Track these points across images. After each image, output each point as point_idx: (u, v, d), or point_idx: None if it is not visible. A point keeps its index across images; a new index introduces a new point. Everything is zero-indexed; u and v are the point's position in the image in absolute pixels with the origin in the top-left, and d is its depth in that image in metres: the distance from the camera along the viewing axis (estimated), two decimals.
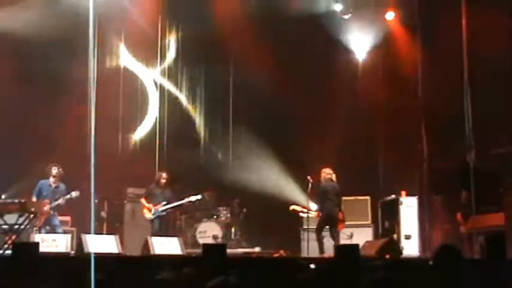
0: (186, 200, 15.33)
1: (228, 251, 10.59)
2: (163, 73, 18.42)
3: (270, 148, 17.42)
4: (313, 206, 15.66)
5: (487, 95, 14.46)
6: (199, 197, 15.50)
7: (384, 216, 16.20)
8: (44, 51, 16.37)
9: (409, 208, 15.71)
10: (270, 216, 16.30)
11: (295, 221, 16.20)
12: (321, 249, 14.60)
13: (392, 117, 16.50)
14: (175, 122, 18.31)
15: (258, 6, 17.15)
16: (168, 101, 18.38)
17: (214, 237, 16.12)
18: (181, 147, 18.03)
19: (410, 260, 13.44)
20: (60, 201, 14.36)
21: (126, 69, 18.09)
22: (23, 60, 16.15)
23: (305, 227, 15.89)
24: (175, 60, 18.54)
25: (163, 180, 15.19)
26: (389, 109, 16.54)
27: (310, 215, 15.47)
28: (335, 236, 14.79)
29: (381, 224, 16.22)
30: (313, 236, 15.55)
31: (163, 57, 18.38)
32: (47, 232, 14.14)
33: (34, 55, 16.34)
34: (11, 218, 13.34)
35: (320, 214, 15.05)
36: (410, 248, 15.18)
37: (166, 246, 13.55)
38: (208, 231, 16.30)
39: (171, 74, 18.47)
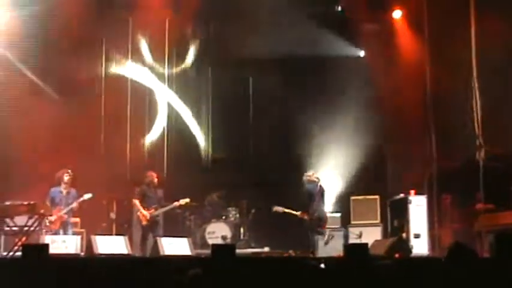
0: (176, 203, 15.23)
1: (237, 251, 10.59)
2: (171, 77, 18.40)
3: (278, 147, 17.38)
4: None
5: (496, 93, 14.46)
6: (187, 200, 15.39)
7: (393, 215, 16.18)
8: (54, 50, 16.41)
9: (418, 207, 15.68)
10: (279, 217, 16.25)
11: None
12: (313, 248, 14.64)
13: (400, 115, 16.46)
14: (183, 123, 18.37)
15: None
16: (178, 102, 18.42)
17: (223, 237, 16.11)
18: (190, 148, 18.14)
19: (420, 259, 13.41)
20: (74, 205, 14.39)
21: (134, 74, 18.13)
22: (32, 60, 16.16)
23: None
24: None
25: (155, 182, 15.12)
26: (398, 108, 16.50)
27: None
28: (315, 239, 14.83)
29: (390, 223, 16.20)
30: (321, 236, 15.59)
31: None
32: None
33: (45, 53, 16.36)
34: (20, 220, 13.42)
35: (306, 215, 14.90)
36: (420, 247, 15.15)
37: (176, 247, 13.56)
38: (217, 232, 16.30)
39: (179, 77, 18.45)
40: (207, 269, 7.14)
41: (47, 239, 13.40)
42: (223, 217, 16.76)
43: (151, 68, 18.09)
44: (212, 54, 18.22)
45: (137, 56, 17.92)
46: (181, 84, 18.29)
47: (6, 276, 8.18)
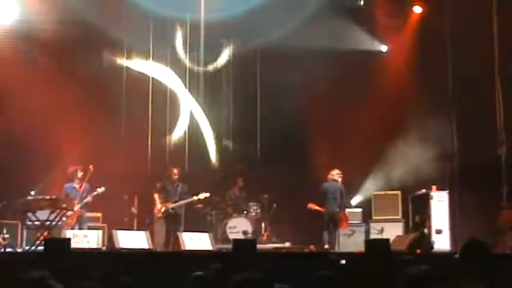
0: (195, 197, 15.31)
1: (258, 246, 10.62)
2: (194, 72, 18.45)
3: (301, 141, 17.34)
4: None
5: None
6: (207, 194, 15.48)
7: (414, 211, 16.10)
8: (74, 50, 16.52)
9: (439, 202, 15.60)
10: (300, 212, 16.26)
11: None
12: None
13: (422, 111, 16.38)
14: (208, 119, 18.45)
15: None
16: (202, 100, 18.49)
17: (244, 232, 16.11)
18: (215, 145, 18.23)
19: (440, 255, 13.37)
20: (88, 198, 14.48)
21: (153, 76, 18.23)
22: (54, 59, 16.27)
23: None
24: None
25: (175, 176, 15.20)
26: (419, 103, 16.42)
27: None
28: (334, 235, 14.92)
29: (411, 218, 16.13)
30: (343, 231, 15.60)
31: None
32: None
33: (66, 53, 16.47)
34: (42, 215, 13.52)
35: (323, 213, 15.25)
36: (441, 242, 15.07)
37: (197, 241, 13.59)
38: (239, 227, 16.30)
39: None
40: (228, 263, 7.16)
41: (68, 233, 13.47)
42: (245, 212, 16.77)
43: (178, 66, 18.17)
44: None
45: (160, 54, 17.99)
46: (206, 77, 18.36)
47: (29, 270, 8.24)
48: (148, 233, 13.95)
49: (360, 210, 16.51)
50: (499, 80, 14.87)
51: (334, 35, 17.19)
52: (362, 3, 17.65)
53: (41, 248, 11.87)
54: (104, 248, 13.65)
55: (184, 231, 14.28)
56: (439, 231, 15.35)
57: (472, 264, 5.34)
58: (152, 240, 14.01)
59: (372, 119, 16.57)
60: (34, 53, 16.28)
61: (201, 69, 18.19)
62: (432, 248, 14.16)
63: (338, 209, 15.16)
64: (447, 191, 15.68)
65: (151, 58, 17.97)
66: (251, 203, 16.96)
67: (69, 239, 9.91)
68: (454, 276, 5.57)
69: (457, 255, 5.98)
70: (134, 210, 16.38)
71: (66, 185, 14.68)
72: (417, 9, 17.30)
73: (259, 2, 16.80)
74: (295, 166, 17.13)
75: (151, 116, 17.49)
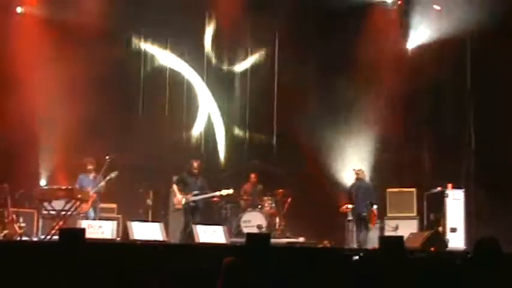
0: (218, 193, 15.30)
1: (272, 240, 10.61)
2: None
3: (314, 138, 17.31)
4: None
5: None
6: (230, 191, 15.46)
7: (429, 209, 16.05)
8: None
9: (455, 201, 15.55)
10: (315, 207, 16.26)
11: (340, 212, 16.21)
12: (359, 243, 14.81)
13: (439, 108, 16.33)
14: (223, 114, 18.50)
15: None
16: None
17: (259, 226, 16.13)
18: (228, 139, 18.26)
19: (453, 253, 13.33)
20: (102, 183, 14.48)
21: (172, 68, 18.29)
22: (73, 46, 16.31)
23: (349, 218, 15.89)
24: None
25: (195, 170, 15.16)
26: (437, 99, 16.37)
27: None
28: (365, 233, 15.00)
29: (426, 216, 16.09)
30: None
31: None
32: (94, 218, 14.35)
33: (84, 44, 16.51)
34: (58, 204, 13.60)
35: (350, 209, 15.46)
36: (456, 241, 15.03)
37: (211, 235, 13.61)
38: (253, 221, 16.32)
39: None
40: (242, 257, 7.17)
41: (83, 223, 13.53)
42: (259, 206, 16.78)
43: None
44: None
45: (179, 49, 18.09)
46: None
47: (44, 259, 8.30)
48: (162, 224, 13.99)
49: (375, 207, 16.45)
50: None
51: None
52: None
53: (55, 237, 11.96)
54: (118, 239, 13.71)
55: (198, 224, 14.28)
56: (453, 230, 15.31)
57: (484, 263, 5.33)
58: (167, 232, 14.05)
59: (384, 115, 16.57)
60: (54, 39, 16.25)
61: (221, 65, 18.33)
62: (446, 246, 14.11)
63: (364, 207, 15.19)
64: (463, 190, 15.63)
65: (168, 49, 18.07)
66: (266, 198, 16.96)
67: (83, 229, 9.92)
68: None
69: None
70: (149, 201, 16.43)
71: (80, 176, 14.73)
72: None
73: None
74: (309, 162, 17.15)
75: (168, 109, 17.56)
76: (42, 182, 15.84)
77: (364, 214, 15.11)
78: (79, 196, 13.64)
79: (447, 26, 16.20)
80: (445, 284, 6.40)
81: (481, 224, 14.78)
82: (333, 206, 16.37)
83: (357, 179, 15.42)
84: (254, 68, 18.42)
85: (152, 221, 15.11)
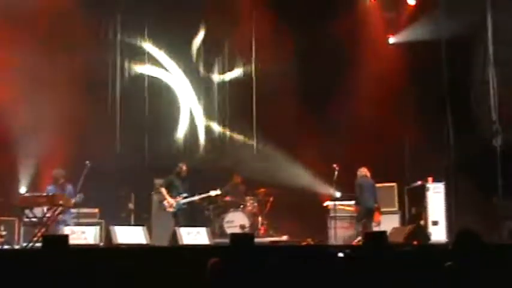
0: (206, 194, 15.44)
1: (256, 240, 10.62)
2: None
3: (294, 137, 17.33)
4: (338, 194, 16.12)
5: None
6: (218, 192, 15.63)
7: (410, 203, 16.15)
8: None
9: (436, 194, 15.65)
10: (297, 205, 16.31)
11: (322, 209, 16.26)
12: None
13: (417, 102, 16.41)
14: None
15: None
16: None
17: (242, 226, 16.16)
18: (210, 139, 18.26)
19: (436, 246, 13.42)
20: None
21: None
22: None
23: (332, 215, 15.95)
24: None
25: (184, 173, 15.28)
26: (414, 94, 16.45)
27: (341, 207, 15.92)
28: (370, 227, 14.98)
29: (407, 210, 16.17)
30: (340, 224, 15.70)
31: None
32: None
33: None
34: (38, 211, 13.52)
35: (357, 207, 15.55)
36: (438, 234, 15.13)
37: (194, 236, 13.61)
38: (236, 221, 16.34)
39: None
40: (226, 257, 7.18)
41: (66, 230, 13.47)
42: (241, 206, 16.80)
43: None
44: None
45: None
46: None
47: (27, 267, 8.27)
48: (145, 228, 13.97)
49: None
50: (493, 69, 14.90)
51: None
52: None
53: (38, 244, 11.89)
54: (101, 244, 13.66)
55: (181, 226, 14.29)
56: (435, 223, 15.40)
57: (465, 254, 5.37)
58: (150, 235, 14.02)
59: (366, 110, 16.62)
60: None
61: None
62: (429, 239, 14.21)
63: (373, 202, 15.32)
64: (443, 183, 15.72)
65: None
66: (248, 197, 16.99)
67: (67, 236, 9.90)
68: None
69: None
70: (131, 205, 16.41)
71: (48, 187, 14.41)
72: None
73: None
74: (292, 160, 17.18)
75: (148, 112, 17.55)
76: (22, 190, 15.70)
77: (375, 206, 15.26)
78: (60, 202, 13.54)
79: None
80: (429, 277, 6.45)
81: (462, 217, 14.88)
82: (314, 204, 16.45)
83: (362, 176, 15.48)
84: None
85: (135, 225, 15.08)
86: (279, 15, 17.13)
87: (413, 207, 16.01)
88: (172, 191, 15.12)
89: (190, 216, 15.46)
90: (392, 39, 17.83)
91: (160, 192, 15.43)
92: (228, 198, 16.90)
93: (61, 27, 15.96)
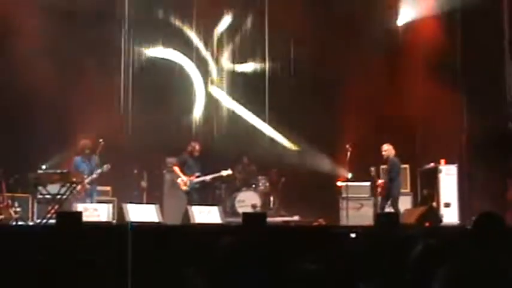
0: (217, 174, 15.52)
1: (267, 219, 10.66)
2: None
3: (308, 118, 17.29)
4: (350, 175, 16.03)
5: None
6: (229, 172, 15.69)
7: (423, 185, 16.13)
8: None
9: (448, 176, 15.63)
10: (309, 185, 16.32)
11: (334, 190, 16.26)
12: None
13: (431, 85, 16.33)
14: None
15: None
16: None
17: (253, 206, 16.20)
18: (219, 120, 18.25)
19: (449, 228, 13.42)
20: (94, 176, 14.47)
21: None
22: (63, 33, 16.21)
23: (344, 195, 15.94)
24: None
25: (197, 153, 15.34)
26: (428, 77, 16.36)
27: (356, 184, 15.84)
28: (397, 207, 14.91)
29: (419, 192, 16.16)
30: (351, 204, 15.68)
31: None
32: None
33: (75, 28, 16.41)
34: (53, 188, 13.60)
35: (385, 185, 15.14)
36: (450, 216, 15.13)
37: (206, 215, 13.66)
38: (247, 201, 16.39)
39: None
40: (238, 236, 7.20)
41: (79, 207, 13.54)
42: (253, 186, 16.84)
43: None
44: None
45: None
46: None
47: (41, 243, 8.32)
48: (158, 206, 14.03)
49: (368, 184, 16.48)
50: (509, 53, 14.83)
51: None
52: None
53: (52, 221, 11.98)
54: (114, 221, 13.73)
55: (193, 204, 14.34)
56: (447, 205, 15.40)
57: (485, 237, 5.35)
58: (162, 213, 14.08)
59: (378, 91, 16.58)
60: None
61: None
62: (441, 221, 14.20)
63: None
64: (456, 165, 15.69)
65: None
66: (260, 177, 17.02)
67: (80, 213, 9.95)
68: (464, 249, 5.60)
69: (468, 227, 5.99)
70: (144, 183, 16.46)
71: (75, 158, 14.70)
72: None
73: None
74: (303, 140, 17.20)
75: (160, 91, 17.53)
76: (38, 167, 15.73)
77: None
78: (74, 179, 13.62)
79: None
80: (443, 258, 6.44)
81: (474, 199, 14.87)
82: (326, 185, 16.45)
83: (394, 155, 15.27)
84: None
85: (147, 203, 15.15)
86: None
87: (426, 189, 15.98)
88: (186, 170, 15.21)
89: (202, 195, 15.51)
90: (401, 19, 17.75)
91: (173, 171, 15.52)
92: (240, 178, 16.93)
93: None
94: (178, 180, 15.20)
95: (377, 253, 7.20)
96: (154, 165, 16.78)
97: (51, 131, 15.41)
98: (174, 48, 18.15)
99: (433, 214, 14.16)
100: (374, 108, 16.50)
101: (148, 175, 16.67)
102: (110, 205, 14.30)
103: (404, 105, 16.39)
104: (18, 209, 13.97)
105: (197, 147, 15.41)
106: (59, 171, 13.71)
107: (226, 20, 18.36)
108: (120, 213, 13.61)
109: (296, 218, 16.23)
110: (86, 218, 11.83)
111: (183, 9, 17.80)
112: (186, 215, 13.70)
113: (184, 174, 15.20)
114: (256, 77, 18.06)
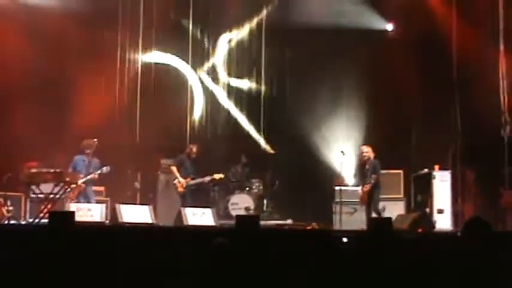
0: (210, 177, 15.55)
1: (261, 222, 10.65)
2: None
3: (304, 122, 17.33)
4: (344, 179, 16.08)
5: None
6: (222, 175, 15.70)
7: (416, 190, 16.14)
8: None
9: (442, 182, 15.63)
10: (303, 189, 16.32)
11: (328, 194, 16.25)
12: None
13: (425, 90, 16.36)
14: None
15: None
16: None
17: (247, 208, 16.20)
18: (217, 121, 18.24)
19: (441, 234, 13.42)
20: (93, 175, 14.42)
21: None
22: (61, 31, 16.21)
23: (337, 200, 15.93)
24: None
25: (194, 155, 15.37)
26: (423, 82, 16.39)
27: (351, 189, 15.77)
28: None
29: (413, 197, 16.17)
30: (345, 209, 15.66)
31: None
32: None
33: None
34: (46, 187, 13.57)
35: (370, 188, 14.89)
36: (443, 222, 15.13)
37: (199, 217, 13.67)
38: (241, 203, 16.39)
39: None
40: (231, 239, 7.19)
41: (72, 206, 13.51)
42: (247, 188, 16.84)
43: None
44: None
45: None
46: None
47: (32, 243, 8.29)
48: (151, 207, 14.02)
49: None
50: (504, 60, 14.86)
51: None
52: None
53: (44, 220, 11.95)
54: (107, 222, 13.71)
55: (187, 206, 14.34)
56: (440, 211, 15.40)
57: (474, 242, 5.37)
58: (155, 215, 14.06)
59: (373, 96, 16.61)
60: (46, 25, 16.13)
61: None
62: (434, 227, 14.21)
63: None
64: (450, 171, 15.71)
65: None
66: (253, 180, 17.02)
67: (73, 212, 9.93)
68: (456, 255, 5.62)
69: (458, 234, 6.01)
70: (137, 184, 16.45)
71: (76, 156, 14.59)
72: None
73: None
74: (298, 145, 17.20)
75: (156, 93, 17.54)
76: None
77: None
78: (67, 179, 13.58)
79: None
80: (435, 264, 6.45)
81: (467, 206, 14.88)
82: (320, 189, 16.45)
83: (375, 157, 15.03)
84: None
85: (141, 204, 15.14)
86: None
87: (419, 194, 16.00)
88: (182, 172, 15.21)
89: (196, 197, 15.50)
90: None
91: (169, 172, 15.54)
92: (233, 180, 16.93)
93: None
94: (175, 182, 15.19)
95: (368, 258, 7.19)
96: (149, 166, 16.76)
97: (46, 129, 15.40)
98: (173, 50, 18.15)
99: (426, 220, 14.17)
100: (368, 113, 16.56)
101: (142, 176, 16.65)
102: (103, 205, 14.27)
103: (399, 110, 16.45)
104: (10, 208, 13.93)
105: (194, 149, 15.44)
106: (52, 170, 13.67)
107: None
108: (113, 213, 13.61)
109: (289, 221, 16.22)
110: (79, 218, 11.89)
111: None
112: (179, 216, 13.70)
113: (181, 175, 15.20)
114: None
